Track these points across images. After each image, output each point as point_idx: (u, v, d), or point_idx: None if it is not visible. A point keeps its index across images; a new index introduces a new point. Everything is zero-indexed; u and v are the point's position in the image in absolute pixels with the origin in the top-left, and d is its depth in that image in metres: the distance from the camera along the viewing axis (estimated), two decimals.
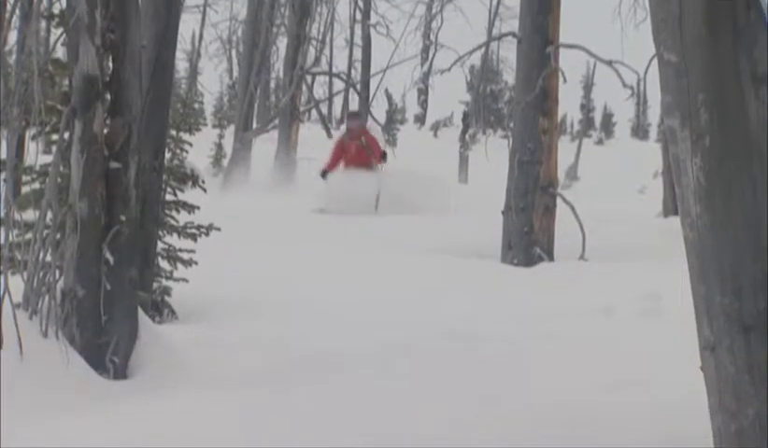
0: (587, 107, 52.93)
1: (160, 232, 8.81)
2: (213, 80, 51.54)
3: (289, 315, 8.73)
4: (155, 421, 4.91)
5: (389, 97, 46.58)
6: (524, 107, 12.87)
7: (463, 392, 5.73)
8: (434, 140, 46.85)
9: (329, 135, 33.60)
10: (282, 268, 10.93)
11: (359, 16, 41.73)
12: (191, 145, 9.96)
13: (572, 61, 14.91)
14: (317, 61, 33.15)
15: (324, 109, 40.82)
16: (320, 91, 37.61)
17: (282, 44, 30.52)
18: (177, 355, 6.65)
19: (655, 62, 3.72)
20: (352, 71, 42.24)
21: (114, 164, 6.31)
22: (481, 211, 14.32)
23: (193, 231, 9.38)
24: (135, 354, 6.40)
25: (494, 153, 16.40)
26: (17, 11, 6.44)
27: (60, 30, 6.45)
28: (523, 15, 13.05)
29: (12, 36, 17.15)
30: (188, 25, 48.43)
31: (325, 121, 36.40)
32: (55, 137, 6.46)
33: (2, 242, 6.11)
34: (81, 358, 6.11)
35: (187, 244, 9.34)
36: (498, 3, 36.85)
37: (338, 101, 47.18)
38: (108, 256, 6.26)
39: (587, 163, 36.01)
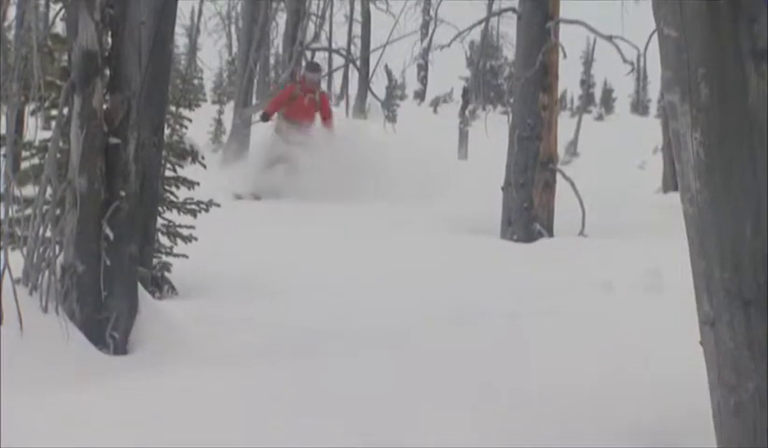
0: (587, 83, 52.88)
1: (159, 208, 8.81)
2: (212, 56, 51.41)
3: (288, 293, 8.74)
4: (155, 396, 4.92)
5: (388, 73, 46.52)
6: (524, 83, 12.86)
7: (463, 370, 5.74)
8: (434, 116, 46.83)
9: None
10: (281, 246, 10.92)
11: None
12: (190, 120, 9.95)
13: (572, 36, 14.88)
14: (316, 36, 33.07)
15: (324, 85, 40.74)
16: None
17: (282, 20, 30.41)
18: (177, 331, 6.65)
19: (655, 37, 3.71)
20: (352, 47, 42.15)
21: (113, 140, 6.30)
22: (481, 187, 14.31)
23: (193, 206, 9.38)
24: (135, 329, 6.40)
25: (494, 129, 16.40)
26: None
27: (59, 5, 6.44)
28: None
29: (11, 11, 17.13)
30: (187, 1, 48.28)
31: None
32: (54, 113, 6.45)
33: (2, 217, 6.12)
34: (81, 334, 6.12)
35: (187, 220, 9.34)
36: None
37: (338, 77, 47.11)
38: (108, 231, 6.26)
39: (587, 139, 36.00)
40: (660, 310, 7.28)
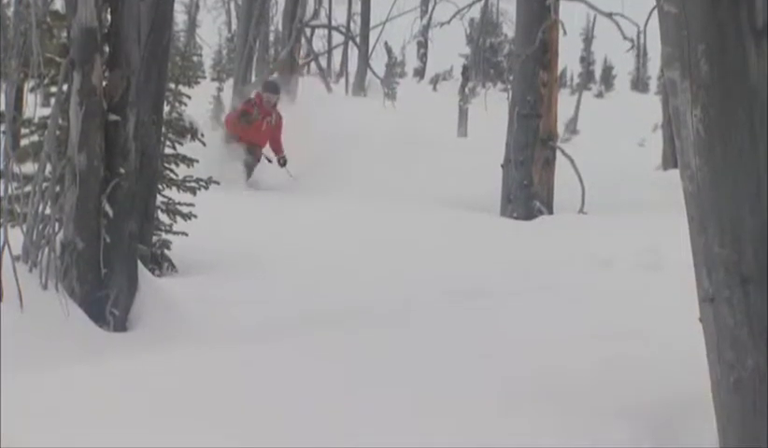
0: (587, 60, 52.75)
1: (159, 186, 8.81)
2: (212, 33, 51.30)
3: (288, 271, 8.74)
4: (155, 374, 4.91)
5: (388, 50, 46.40)
6: (524, 60, 12.84)
7: (463, 347, 5.74)
8: (434, 94, 46.69)
9: (329, 89, 33.53)
10: (281, 225, 10.91)
11: None
12: (189, 98, 9.94)
13: (572, 13, 14.89)
14: (316, 13, 33.03)
15: (323, 62, 40.67)
16: (319, 44, 37.51)
17: None
18: (176, 308, 6.66)
19: (655, 14, 3.71)
20: (351, 24, 42.03)
21: (113, 117, 6.30)
22: (480, 165, 14.29)
23: (193, 184, 9.38)
24: (135, 307, 6.41)
25: (494, 106, 16.42)
26: None
27: None
28: None
29: None
30: None
31: (324, 75, 36.29)
32: (54, 90, 6.45)
33: (1, 194, 6.11)
34: (81, 311, 6.13)
35: (186, 197, 9.34)
36: None
37: (337, 54, 47.04)
38: (108, 209, 6.26)
39: (586, 116, 35.93)
40: (659, 287, 7.28)
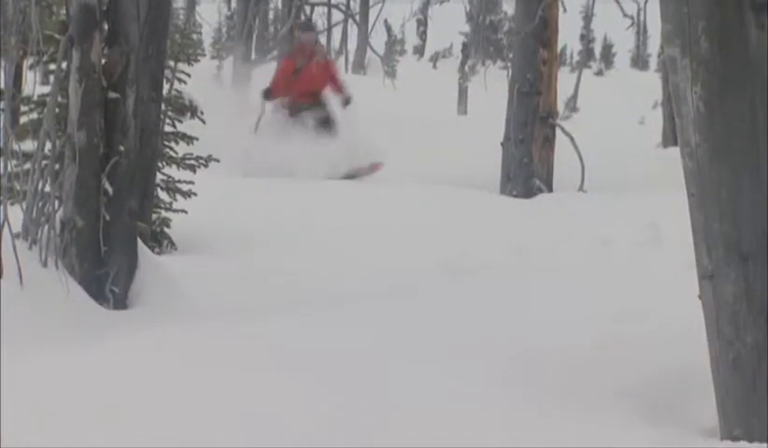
0: (587, 38, 52.57)
1: (159, 163, 8.80)
2: (211, 11, 51.10)
3: (288, 248, 8.75)
4: (156, 351, 4.92)
5: (388, 28, 46.29)
6: (524, 38, 12.81)
7: (462, 325, 5.75)
8: (433, 71, 46.57)
9: None
10: (281, 202, 10.90)
11: None
12: (189, 75, 9.92)
13: None
14: None
15: (323, 41, 40.61)
16: (318, 21, 37.41)
17: None
18: (176, 285, 6.67)
19: None
20: (351, 2, 41.96)
21: (112, 94, 6.30)
22: (480, 142, 14.28)
23: (192, 162, 9.38)
24: (135, 284, 6.42)
25: (493, 84, 16.39)
26: None
27: None
28: None
29: None
30: None
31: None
32: (53, 67, 6.44)
33: (1, 172, 6.11)
34: (81, 289, 6.13)
35: (186, 175, 9.33)
36: None
37: (337, 32, 46.95)
38: (107, 186, 6.26)
39: (586, 94, 35.86)
40: (658, 264, 7.28)
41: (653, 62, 54.20)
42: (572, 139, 12.98)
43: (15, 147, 6.19)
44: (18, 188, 6.18)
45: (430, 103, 23.29)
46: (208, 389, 4.31)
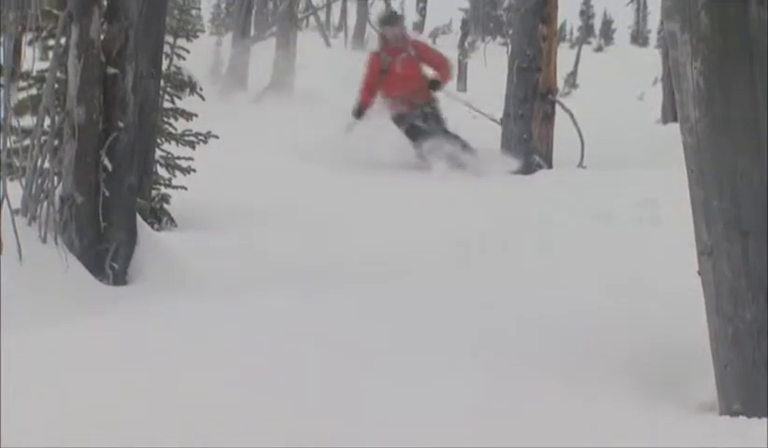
0: (586, 14, 52.55)
1: (158, 140, 8.79)
2: None
3: (288, 224, 8.73)
4: (156, 326, 4.92)
5: (387, 4, 46.25)
6: (523, 14, 12.78)
7: (465, 297, 5.76)
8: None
9: (327, 44, 33.41)
10: (279, 178, 10.88)
11: None
12: (188, 52, 9.90)
13: None
14: None
15: (322, 17, 40.49)
16: None
17: None
18: (176, 261, 6.67)
19: None
20: None
21: (111, 70, 6.29)
22: (480, 118, 14.26)
23: (191, 138, 9.37)
24: (135, 260, 6.42)
25: (493, 60, 16.35)
26: None
27: None
28: None
29: None
30: None
31: (323, 29, 36.14)
32: (52, 43, 6.43)
33: (0, 148, 6.11)
34: (80, 264, 6.14)
35: (185, 151, 9.32)
36: None
37: (336, 8, 46.86)
38: (107, 162, 6.26)
39: (586, 70, 35.79)
40: (658, 240, 7.29)
41: (653, 38, 54.11)
42: (571, 115, 12.96)
43: (14, 122, 6.18)
44: (17, 164, 6.18)
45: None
46: (208, 363, 4.32)
